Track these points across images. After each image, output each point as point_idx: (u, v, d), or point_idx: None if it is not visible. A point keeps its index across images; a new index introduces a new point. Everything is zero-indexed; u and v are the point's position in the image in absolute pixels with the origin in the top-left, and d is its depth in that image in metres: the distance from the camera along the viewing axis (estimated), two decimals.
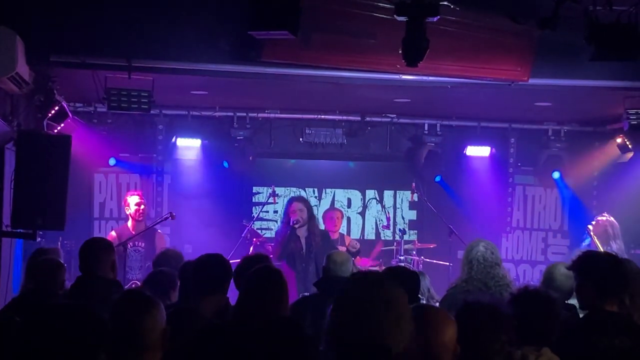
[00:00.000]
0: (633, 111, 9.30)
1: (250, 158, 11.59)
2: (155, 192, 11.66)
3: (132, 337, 3.32)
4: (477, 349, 3.63)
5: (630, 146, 11.04)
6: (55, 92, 8.87)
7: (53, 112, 8.88)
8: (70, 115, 9.36)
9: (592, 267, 4.56)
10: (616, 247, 8.99)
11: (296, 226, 9.62)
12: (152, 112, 9.35)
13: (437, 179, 12.05)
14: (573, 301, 6.09)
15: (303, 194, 12.29)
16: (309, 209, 9.91)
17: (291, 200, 10.01)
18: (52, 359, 2.75)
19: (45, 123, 8.90)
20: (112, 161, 11.25)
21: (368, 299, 2.81)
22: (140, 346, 3.33)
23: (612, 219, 9.31)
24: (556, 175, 12.21)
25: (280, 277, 4.63)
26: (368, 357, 2.65)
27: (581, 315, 5.73)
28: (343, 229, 11.48)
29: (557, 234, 12.82)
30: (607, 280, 4.45)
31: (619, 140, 11.18)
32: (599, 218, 9.42)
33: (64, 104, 9.08)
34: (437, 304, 6.12)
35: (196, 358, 4.25)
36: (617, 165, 11.66)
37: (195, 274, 5.18)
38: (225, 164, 11.55)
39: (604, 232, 9.10)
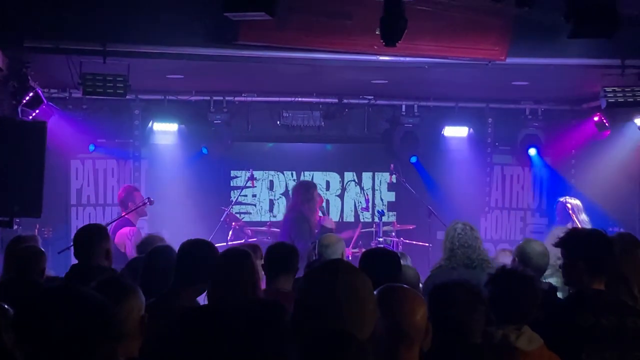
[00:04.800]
0: (610, 89, 9.32)
1: (228, 142, 11.54)
2: (133, 177, 11.60)
3: (115, 326, 3.27)
4: (452, 326, 3.64)
5: (607, 124, 11.09)
6: (29, 78, 8.79)
7: (27, 98, 8.80)
8: (45, 101, 9.27)
9: (582, 245, 4.55)
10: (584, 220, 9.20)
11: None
12: (128, 97, 9.26)
13: (413, 159, 12.04)
14: (551, 279, 6.16)
15: (281, 177, 12.28)
16: None
17: (314, 186, 10.15)
18: (53, 343, 2.71)
19: (19, 109, 8.81)
20: (91, 147, 11.16)
21: (328, 287, 2.80)
22: (118, 334, 3.28)
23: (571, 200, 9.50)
24: (532, 151, 12.24)
25: (248, 259, 4.60)
26: (331, 346, 2.63)
27: (560, 295, 5.78)
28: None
29: (535, 213, 12.88)
30: (593, 257, 4.45)
31: (596, 118, 11.22)
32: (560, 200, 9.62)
33: (39, 90, 8.99)
34: (420, 285, 6.13)
35: (172, 342, 4.23)
36: (595, 144, 11.72)
37: (180, 263, 5.06)
38: (204, 150, 11.49)
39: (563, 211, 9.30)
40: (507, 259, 6.80)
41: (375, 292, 3.22)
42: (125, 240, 8.84)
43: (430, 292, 3.71)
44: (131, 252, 8.37)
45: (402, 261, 7.19)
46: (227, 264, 4.63)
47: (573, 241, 4.59)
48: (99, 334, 2.73)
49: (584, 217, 9.40)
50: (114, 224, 9.09)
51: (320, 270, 2.94)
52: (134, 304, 3.35)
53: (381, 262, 5.21)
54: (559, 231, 5.15)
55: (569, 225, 8.76)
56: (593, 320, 4.25)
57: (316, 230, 9.55)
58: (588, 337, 4.22)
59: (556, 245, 4.70)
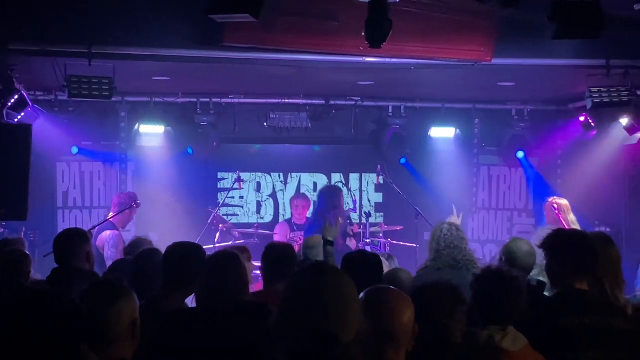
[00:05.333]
0: (595, 89, 9.35)
1: (215, 144, 11.52)
2: (119, 180, 11.57)
3: (97, 328, 3.27)
4: (434, 327, 3.65)
5: (593, 124, 11.13)
6: (14, 80, 8.76)
7: (13, 101, 8.77)
8: (30, 104, 9.24)
9: (561, 245, 4.57)
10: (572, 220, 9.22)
11: None
12: (114, 99, 9.23)
13: (402, 161, 12.06)
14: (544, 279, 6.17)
15: (268, 178, 12.27)
16: None
17: (339, 191, 10.29)
18: (33, 346, 2.71)
19: (4, 112, 8.78)
20: (74, 149, 11.12)
21: (313, 288, 2.81)
22: (107, 338, 3.29)
23: (559, 200, 9.52)
24: (520, 154, 12.30)
25: (237, 261, 4.60)
26: (316, 347, 2.64)
27: (547, 294, 5.79)
28: (310, 212, 11.48)
29: (522, 213, 12.90)
30: (576, 258, 4.46)
31: (581, 118, 11.25)
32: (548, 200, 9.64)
33: (24, 93, 8.96)
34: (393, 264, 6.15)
35: (160, 345, 4.22)
36: (581, 144, 11.76)
37: (167, 266, 5.02)
38: (190, 151, 11.46)
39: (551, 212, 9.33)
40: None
41: (362, 294, 3.23)
42: (105, 244, 8.81)
43: (411, 293, 3.73)
44: (110, 256, 8.36)
45: (390, 263, 7.23)
46: (216, 266, 4.62)
47: (555, 242, 4.60)
48: (72, 336, 2.73)
49: (572, 217, 9.42)
50: (98, 227, 9.05)
51: (304, 272, 2.95)
52: (124, 307, 3.35)
53: (362, 265, 5.21)
54: (544, 231, 5.16)
55: (554, 226, 8.77)
56: (577, 320, 4.26)
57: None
58: (572, 337, 4.23)
59: (539, 246, 4.72)
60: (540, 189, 12.55)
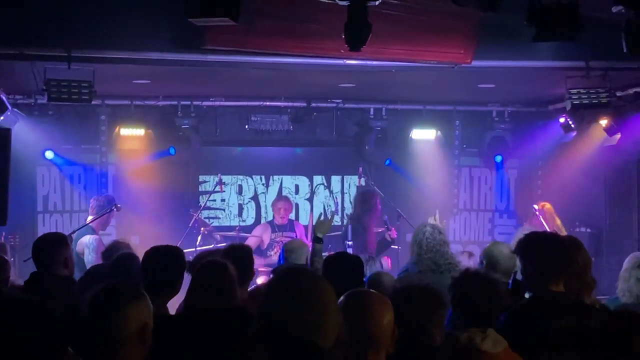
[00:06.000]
0: (575, 91, 9.38)
1: (196, 147, 11.50)
2: (100, 183, 11.51)
3: (104, 331, 3.20)
4: (413, 329, 3.66)
5: (573, 125, 11.19)
6: None
7: None
8: (9, 107, 9.19)
9: (532, 248, 4.60)
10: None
11: None
12: (94, 102, 9.20)
13: (387, 162, 12.10)
14: None
15: (250, 181, 12.26)
16: None
17: (374, 195, 10.15)
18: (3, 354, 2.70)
19: None
20: (49, 154, 11.05)
21: (289, 295, 2.80)
22: (114, 342, 3.19)
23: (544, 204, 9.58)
24: (498, 159, 12.39)
25: (225, 270, 4.59)
26: (295, 353, 2.63)
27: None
28: (292, 215, 11.48)
29: (503, 214, 12.95)
30: (549, 260, 4.48)
31: (561, 120, 11.32)
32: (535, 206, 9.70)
33: (3, 97, 8.93)
34: (380, 267, 6.17)
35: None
36: (561, 145, 11.82)
37: (147, 270, 4.98)
38: (172, 151, 11.42)
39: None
40: (467, 262, 6.87)
41: (342, 298, 3.24)
42: (85, 248, 8.75)
43: (391, 296, 3.74)
44: (91, 260, 8.32)
45: (372, 265, 7.25)
46: (204, 272, 4.61)
47: (527, 245, 4.64)
48: (43, 343, 2.72)
49: (558, 222, 9.45)
50: (77, 231, 9.00)
51: (281, 278, 2.94)
52: (132, 311, 3.25)
53: (344, 268, 5.21)
54: (523, 233, 5.20)
55: (532, 228, 8.79)
56: (553, 322, 4.29)
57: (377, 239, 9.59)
58: (548, 339, 4.26)
59: (514, 251, 4.76)
60: (521, 190, 12.64)
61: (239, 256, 5.51)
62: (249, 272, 5.66)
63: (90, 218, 9.33)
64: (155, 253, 5.05)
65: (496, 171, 12.73)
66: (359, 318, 3.20)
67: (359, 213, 9.91)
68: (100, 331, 3.19)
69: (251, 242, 10.54)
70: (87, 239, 8.81)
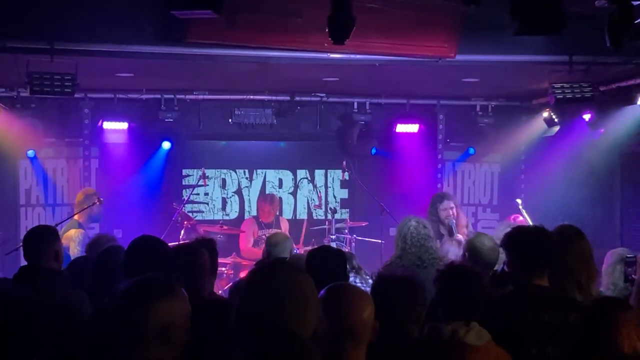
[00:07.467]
0: (558, 85, 9.42)
1: (180, 140, 11.46)
2: (83, 177, 11.46)
3: (130, 327, 2.96)
4: (393, 319, 3.67)
5: (556, 120, 11.23)
6: None
7: None
8: None
9: (517, 241, 4.63)
10: None
11: None
12: (77, 95, 9.17)
13: (373, 151, 12.13)
14: None
15: (234, 175, 12.24)
16: None
17: (438, 200, 9.70)
18: None
19: None
20: (30, 153, 11.01)
21: (268, 287, 2.81)
22: (139, 338, 2.94)
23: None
24: (471, 150, 12.45)
25: (197, 257, 4.58)
26: (274, 345, 2.63)
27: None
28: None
29: (486, 209, 12.98)
30: (533, 254, 4.51)
31: (545, 114, 11.36)
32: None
33: None
34: (370, 280, 6.16)
35: None
36: (544, 139, 11.86)
37: (129, 261, 4.94)
38: (166, 145, 11.42)
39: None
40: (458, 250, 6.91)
41: (323, 291, 3.24)
42: (70, 242, 8.72)
43: (371, 288, 3.74)
44: (77, 254, 8.27)
45: (350, 261, 7.24)
46: (177, 260, 4.61)
47: (512, 239, 4.67)
48: (30, 337, 2.71)
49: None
50: (61, 225, 8.96)
51: (261, 270, 2.94)
52: (159, 308, 2.98)
53: (327, 262, 5.21)
54: (505, 226, 5.22)
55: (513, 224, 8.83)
56: (534, 316, 4.31)
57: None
58: (529, 333, 4.28)
59: (500, 245, 4.77)
60: (504, 184, 12.68)
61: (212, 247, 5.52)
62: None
63: (76, 211, 9.28)
64: (138, 243, 5.00)
65: (484, 163, 12.75)
66: (340, 311, 3.20)
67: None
68: (118, 327, 2.97)
69: (243, 238, 10.65)
70: (73, 232, 8.78)
